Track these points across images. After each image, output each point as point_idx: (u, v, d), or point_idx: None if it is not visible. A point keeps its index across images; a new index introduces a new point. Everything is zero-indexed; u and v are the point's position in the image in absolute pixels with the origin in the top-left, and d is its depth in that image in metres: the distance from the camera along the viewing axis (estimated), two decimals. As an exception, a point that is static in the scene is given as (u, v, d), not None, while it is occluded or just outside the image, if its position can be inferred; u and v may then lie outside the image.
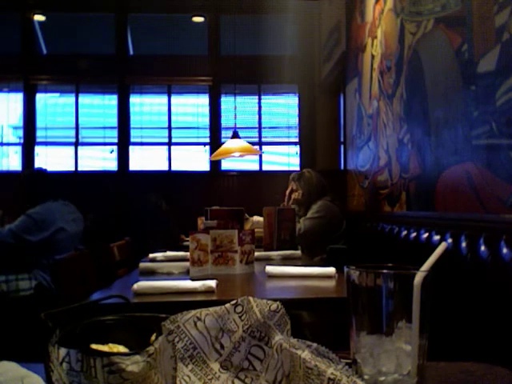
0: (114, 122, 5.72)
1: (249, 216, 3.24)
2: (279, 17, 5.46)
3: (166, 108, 5.80)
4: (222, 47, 5.69)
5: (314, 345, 0.54)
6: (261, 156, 5.68)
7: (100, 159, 5.80)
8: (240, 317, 0.57)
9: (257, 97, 5.83)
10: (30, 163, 5.61)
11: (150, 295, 1.40)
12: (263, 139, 5.82)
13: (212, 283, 1.43)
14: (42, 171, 3.11)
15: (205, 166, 5.73)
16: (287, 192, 3.34)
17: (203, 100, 5.81)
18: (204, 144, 5.82)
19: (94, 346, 0.44)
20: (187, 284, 1.45)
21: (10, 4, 5.60)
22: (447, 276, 1.71)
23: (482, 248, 1.62)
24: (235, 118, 4.76)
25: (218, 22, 5.73)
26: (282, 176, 4.38)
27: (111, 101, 5.77)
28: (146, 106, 5.89)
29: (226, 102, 5.71)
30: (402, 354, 0.51)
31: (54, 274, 2.13)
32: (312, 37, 5.70)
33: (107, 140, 5.76)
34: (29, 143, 5.68)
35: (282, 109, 5.96)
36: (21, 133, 5.76)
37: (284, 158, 5.94)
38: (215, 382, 0.55)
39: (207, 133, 5.79)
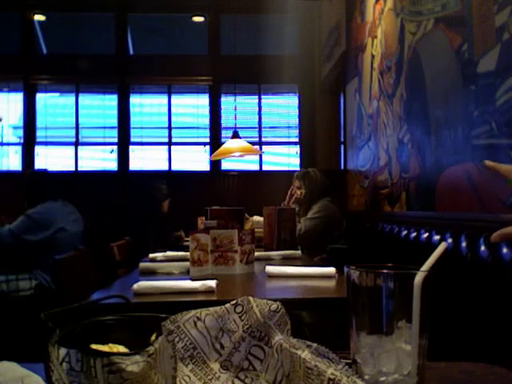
0: (114, 122, 5.72)
1: (249, 216, 3.24)
2: (279, 17, 5.45)
3: (166, 108, 5.80)
4: (222, 47, 5.69)
5: (314, 345, 0.54)
6: (261, 156, 5.67)
7: (100, 159, 5.80)
8: (240, 317, 0.57)
9: (257, 97, 5.83)
10: (30, 163, 5.61)
11: (150, 295, 1.40)
12: (263, 139, 5.82)
13: (212, 283, 1.43)
14: (42, 172, 3.11)
15: (205, 166, 5.73)
16: (289, 191, 3.34)
17: (203, 100, 5.81)
18: (204, 144, 5.82)
19: (94, 346, 0.44)
20: (187, 284, 1.45)
21: (10, 4, 5.60)
22: (447, 276, 1.71)
23: (482, 248, 1.62)
24: (235, 118, 4.75)
25: (218, 22, 5.73)
26: (282, 176, 4.39)
27: (111, 101, 5.76)
28: (146, 106, 5.89)
29: (226, 102, 5.70)
30: (403, 354, 0.51)
31: (54, 274, 2.13)
32: (312, 37, 5.69)
33: (107, 140, 5.76)
34: (29, 143, 5.67)
35: (282, 109, 5.95)
36: (21, 133, 5.75)
37: (284, 158, 5.94)
38: (215, 382, 0.55)
39: (207, 133, 5.79)
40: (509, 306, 1.46)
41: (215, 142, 5.59)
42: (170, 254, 2.31)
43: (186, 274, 1.77)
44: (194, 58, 5.77)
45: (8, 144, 5.85)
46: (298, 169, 5.33)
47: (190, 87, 5.89)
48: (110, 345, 0.46)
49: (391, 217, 2.91)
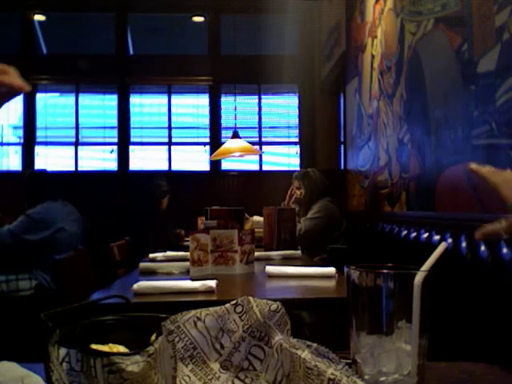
0: (114, 122, 5.72)
1: (249, 216, 3.24)
2: (279, 17, 5.45)
3: (166, 108, 5.80)
4: (222, 47, 5.69)
5: (314, 345, 0.54)
6: (261, 156, 5.67)
7: (100, 159, 5.80)
8: (240, 317, 0.57)
9: (257, 97, 5.83)
10: (30, 163, 5.61)
11: (150, 295, 1.40)
12: (263, 139, 5.82)
13: (212, 283, 1.43)
14: (42, 172, 3.11)
15: (205, 166, 5.73)
16: (289, 191, 3.34)
17: (203, 100, 5.81)
18: (204, 144, 5.82)
19: (94, 346, 0.44)
20: (187, 284, 1.45)
21: (10, 4, 5.60)
22: (447, 276, 1.71)
23: (482, 248, 1.62)
24: (235, 118, 4.75)
25: (218, 22, 5.73)
26: (282, 176, 4.39)
27: (111, 101, 5.76)
28: (146, 106, 5.89)
29: (226, 102, 5.70)
30: (403, 354, 0.51)
31: (54, 274, 2.13)
32: (312, 37, 5.69)
33: (107, 140, 5.76)
34: (29, 143, 5.67)
35: (282, 109, 5.95)
36: (21, 133, 5.75)
37: (284, 158, 5.94)
38: (215, 382, 0.55)
39: (207, 133, 5.79)
40: (509, 306, 1.46)
41: (215, 142, 5.59)
42: (170, 253, 2.31)
43: (186, 274, 1.77)
44: (194, 58, 5.77)
45: (8, 144, 5.85)
46: (297, 169, 5.33)
47: (190, 87, 5.89)
48: (110, 345, 0.46)
49: (391, 217, 2.91)
